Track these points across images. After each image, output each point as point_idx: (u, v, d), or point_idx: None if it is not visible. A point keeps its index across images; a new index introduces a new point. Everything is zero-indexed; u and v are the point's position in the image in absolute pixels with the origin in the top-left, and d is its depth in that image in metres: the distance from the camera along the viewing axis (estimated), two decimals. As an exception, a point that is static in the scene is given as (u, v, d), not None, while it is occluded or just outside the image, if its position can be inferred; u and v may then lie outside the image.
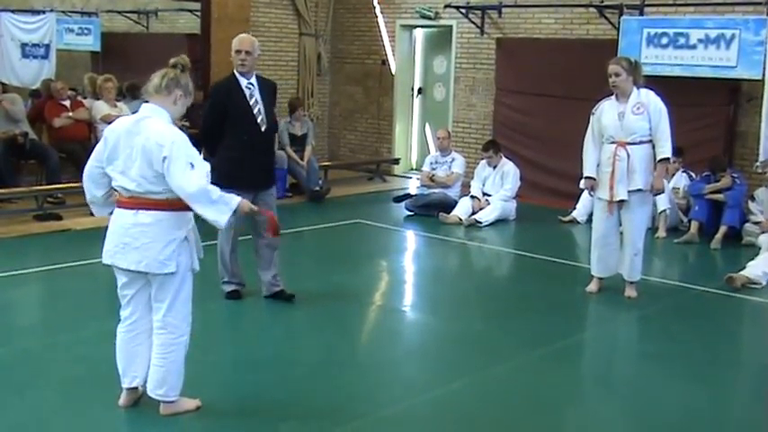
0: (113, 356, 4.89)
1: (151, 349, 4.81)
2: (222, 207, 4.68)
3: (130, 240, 4.61)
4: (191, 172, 4.54)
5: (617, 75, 7.39)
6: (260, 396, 5.39)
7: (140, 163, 4.55)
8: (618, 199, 7.47)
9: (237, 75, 7.01)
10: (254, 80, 7.07)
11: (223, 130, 6.97)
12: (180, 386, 4.83)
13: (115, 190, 4.75)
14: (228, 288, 7.25)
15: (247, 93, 6.98)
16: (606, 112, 7.50)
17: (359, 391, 5.55)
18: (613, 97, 7.51)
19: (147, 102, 4.76)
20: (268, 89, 7.23)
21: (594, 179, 7.58)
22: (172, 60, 4.83)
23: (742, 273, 8.15)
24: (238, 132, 6.94)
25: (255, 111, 6.98)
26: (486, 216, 10.84)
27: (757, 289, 8.03)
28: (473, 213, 10.92)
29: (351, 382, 5.69)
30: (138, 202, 4.61)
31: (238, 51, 6.98)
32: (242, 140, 6.93)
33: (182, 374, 4.82)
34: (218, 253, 7.20)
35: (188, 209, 4.67)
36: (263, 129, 7.04)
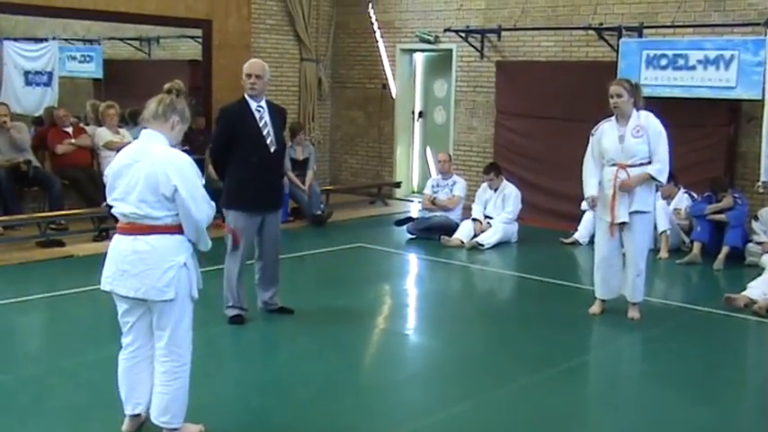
0: (116, 382, 4.89)
1: (153, 375, 4.80)
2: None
3: (129, 267, 4.60)
4: (203, 198, 4.59)
5: (619, 96, 7.40)
6: (263, 420, 5.39)
7: (142, 188, 4.55)
8: (619, 221, 7.48)
9: (247, 98, 7.14)
10: (263, 103, 7.19)
11: (232, 152, 7.07)
12: (183, 413, 4.82)
13: (114, 218, 4.77)
14: (232, 312, 7.26)
15: (257, 115, 7.11)
16: (606, 134, 7.51)
17: (362, 415, 5.55)
18: (613, 118, 7.52)
19: (145, 128, 4.78)
20: (278, 113, 7.37)
21: (596, 196, 7.56)
22: (166, 86, 4.83)
23: (743, 293, 8.14)
24: (248, 153, 7.04)
25: (265, 132, 7.10)
26: (487, 239, 10.85)
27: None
28: (475, 236, 10.93)
29: (354, 405, 5.69)
30: (135, 228, 4.61)
31: (248, 75, 7.10)
32: (251, 161, 7.03)
33: (185, 401, 4.81)
34: (225, 277, 7.24)
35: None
36: (272, 150, 7.15)
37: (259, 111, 7.13)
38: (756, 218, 10.12)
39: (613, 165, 7.46)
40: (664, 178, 7.50)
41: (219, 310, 7.23)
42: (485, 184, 11.48)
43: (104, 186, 4.77)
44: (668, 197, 10.60)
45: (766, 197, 10.15)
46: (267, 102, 7.27)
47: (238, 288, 7.24)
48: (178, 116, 4.76)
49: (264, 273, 7.43)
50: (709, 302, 8.33)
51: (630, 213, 7.45)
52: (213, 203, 4.73)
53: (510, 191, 11.30)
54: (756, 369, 7.06)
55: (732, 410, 5.83)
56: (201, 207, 4.61)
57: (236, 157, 7.08)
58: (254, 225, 7.18)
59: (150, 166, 4.55)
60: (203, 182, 4.72)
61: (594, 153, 7.60)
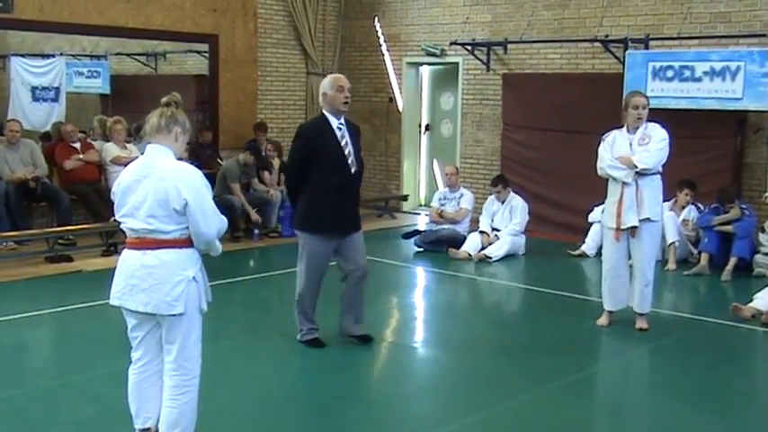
0: (126, 397, 4.89)
1: (163, 390, 4.81)
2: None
3: (138, 282, 4.60)
4: (213, 212, 4.60)
5: (644, 107, 7.49)
6: (273, 434, 5.40)
7: (151, 203, 4.55)
8: (626, 226, 7.49)
9: (328, 115, 6.79)
10: (343, 121, 6.84)
11: (309, 172, 6.72)
12: (193, 427, 4.82)
13: (123, 232, 4.78)
14: (310, 336, 7.07)
15: (338, 134, 6.75)
16: (618, 142, 7.56)
17: (371, 428, 5.56)
18: (624, 129, 7.57)
19: (149, 143, 4.78)
20: (356, 132, 6.99)
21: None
22: (164, 99, 4.83)
23: (750, 305, 8.14)
24: (328, 174, 6.70)
25: (346, 152, 6.75)
26: (495, 251, 10.85)
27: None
28: (482, 248, 10.93)
29: (363, 418, 5.70)
30: (144, 243, 4.61)
31: (341, 88, 6.75)
32: (331, 182, 6.69)
33: (195, 414, 4.81)
34: (298, 299, 7.06)
35: (194, 246, 4.69)
36: (352, 171, 6.81)
37: (340, 129, 6.76)
38: (763, 229, 10.11)
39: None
40: (640, 164, 7.39)
41: (229, 323, 7.24)
42: (492, 197, 11.50)
43: (112, 202, 4.78)
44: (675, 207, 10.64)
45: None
46: (345, 119, 6.91)
47: (312, 312, 7.06)
48: (180, 127, 4.74)
49: (348, 292, 7.14)
50: (716, 313, 8.32)
51: (640, 221, 7.46)
52: (224, 218, 4.74)
53: (517, 203, 11.31)
54: (765, 380, 7.05)
55: (741, 422, 5.82)
56: (210, 221, 4.60)
57: (313, 178, 6.71)
58: (329, 250, 6.87)
59: (159, 180, 4.55)
60: (212, 195, 4.73)
61: (609, 154, 7.56)
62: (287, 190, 7.29)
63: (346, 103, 6.77)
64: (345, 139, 6.76)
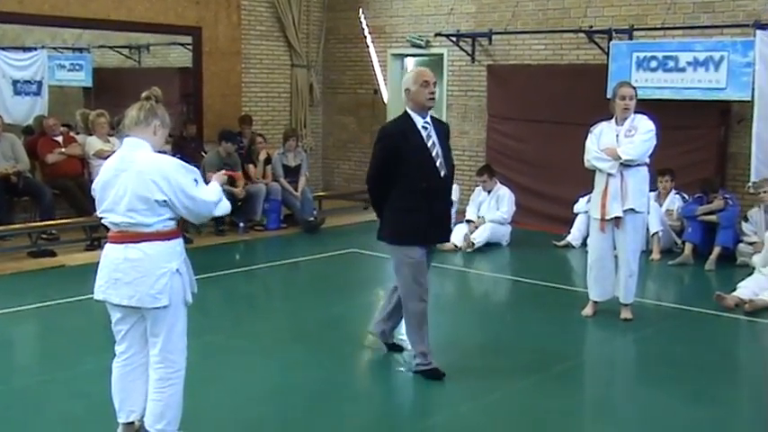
0: (110, 392, 4.87)
1: (147, 383, 4.78)
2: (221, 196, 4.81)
3: (121, 276, 4.59)
4: (203, 189, 4.63)
5: (630, 98, 7.50)
6: (258, 429, 5.38)
7: (131, 197, 4.53)
8: (610, 216, 7.51)
9: (412, 114, 6.10)
10: (429, 119, 6.15)
11: (393, 179, 6.08)
12: (178, 419, 4.81)
13: (105, 227, 4.76)
14: (427, 367, 6.29)
15: (424, 134, 6.05)
16: (605, 133, 7.57)
17: (357, 422, 5.55)
18: (613, 120, 7.58)
19: (127, 136, 4.75)
20: (444, 130, 6.31)
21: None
22: (144, 93, 4.81)
23: (734, 294, 8.19)
24: (415, 179, 6.02)
25: (434, 153, 6.05)
26: (478, 237, 10.87)
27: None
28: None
29: (349, 412, 5.69)
30: (127, 236, 4.59)
31: (426, 83, 6.03)
32: (419, 188, 6.03)
33: (180, 408, 4.80)
34: (409, 323, 6.40)
35: (177, 238, 4.68)
36: (441, 174, 6.09)
37: (426, 128, 6.06)
38: (746, 219, 10.15)
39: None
40: (624, 156, 7.41)
41: (216, 318, 7.20)
42: (479, 188, 11.51)
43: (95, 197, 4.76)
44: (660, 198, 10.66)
45: (756, 198, 10.17)
46: (432, 117, 6.22)
47: (426, 333, 6.35)
48: (159, 120, 4.73)
49: (399, 305, 6.59)
50: (701, 303, 8.36)
51: (623, 211, 7.48)
52: (216, 190, 4.76)
53: (503, 192, 11.33)
54: (749, 368, 7.08)
55: (726, 410, 5.83)
56: (200, 203, 4.61)
57: (399, 185, 6.05)
58: (423, 255, 6.21)
59: (138, 174, 4.53)
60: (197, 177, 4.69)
61: (596, 146, 7.58)
62: (370, 199, 6.52)
63: (432, 98, 6.08)
64: (432, 140, 6.06)
